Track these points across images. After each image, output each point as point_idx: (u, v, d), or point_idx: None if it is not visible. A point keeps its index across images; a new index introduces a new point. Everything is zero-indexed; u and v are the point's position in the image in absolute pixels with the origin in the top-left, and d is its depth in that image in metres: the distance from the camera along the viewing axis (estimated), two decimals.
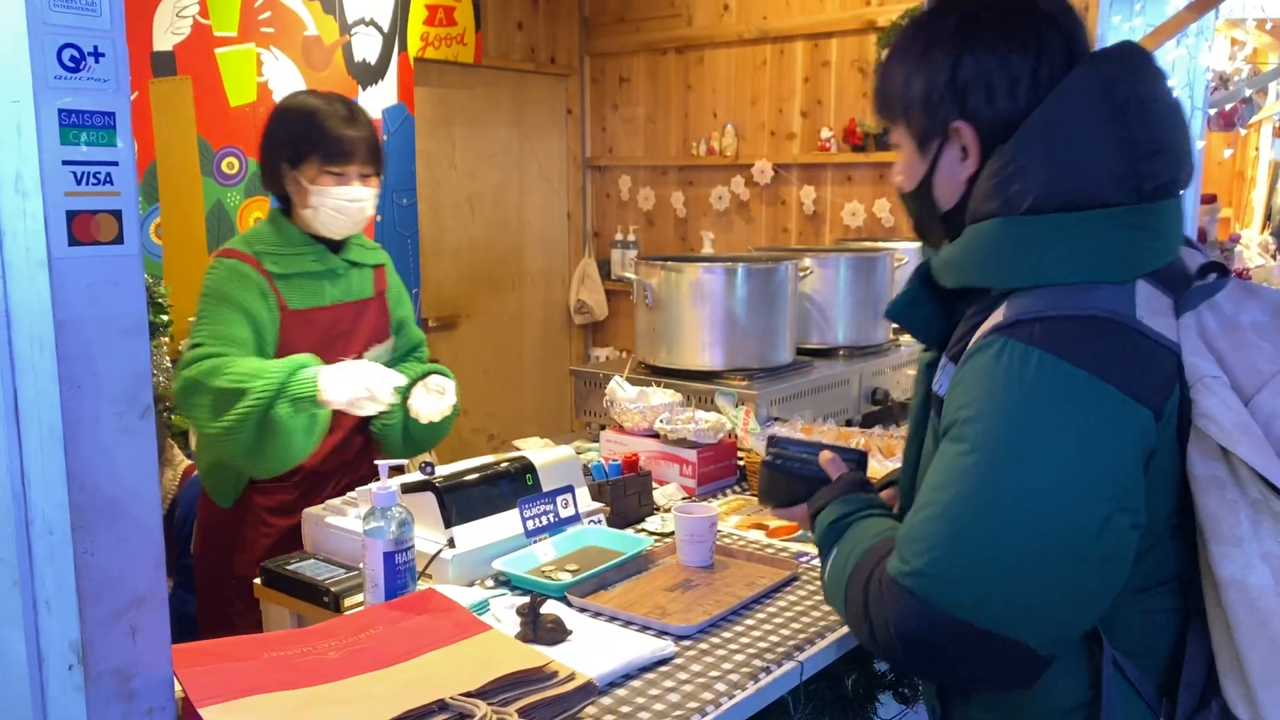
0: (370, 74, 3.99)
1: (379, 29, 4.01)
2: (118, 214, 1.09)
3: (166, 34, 3.35)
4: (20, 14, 1.01)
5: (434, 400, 2.09)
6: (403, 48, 4.11)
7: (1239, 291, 1.07)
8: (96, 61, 1.06)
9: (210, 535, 2.15)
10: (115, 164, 1.09)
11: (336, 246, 2.13)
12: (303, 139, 2.02)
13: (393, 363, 2.21)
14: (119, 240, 1.09)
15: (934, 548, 1.02)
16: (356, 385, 1.90)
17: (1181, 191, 1.10)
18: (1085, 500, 0.98)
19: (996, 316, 1.07)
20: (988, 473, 1.01)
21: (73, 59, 1.04)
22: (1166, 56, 3.73)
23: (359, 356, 2.10)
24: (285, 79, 3.70)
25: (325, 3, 3.80)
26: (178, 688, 1.18)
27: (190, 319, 2.04)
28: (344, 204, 2.04)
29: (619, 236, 5.03)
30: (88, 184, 1.06)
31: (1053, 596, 1.00)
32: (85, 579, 1.10)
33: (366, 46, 3.97)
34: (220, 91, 3.50)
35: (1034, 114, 1.07)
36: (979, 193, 1.12)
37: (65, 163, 1.05)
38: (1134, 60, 1.08)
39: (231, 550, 2.07)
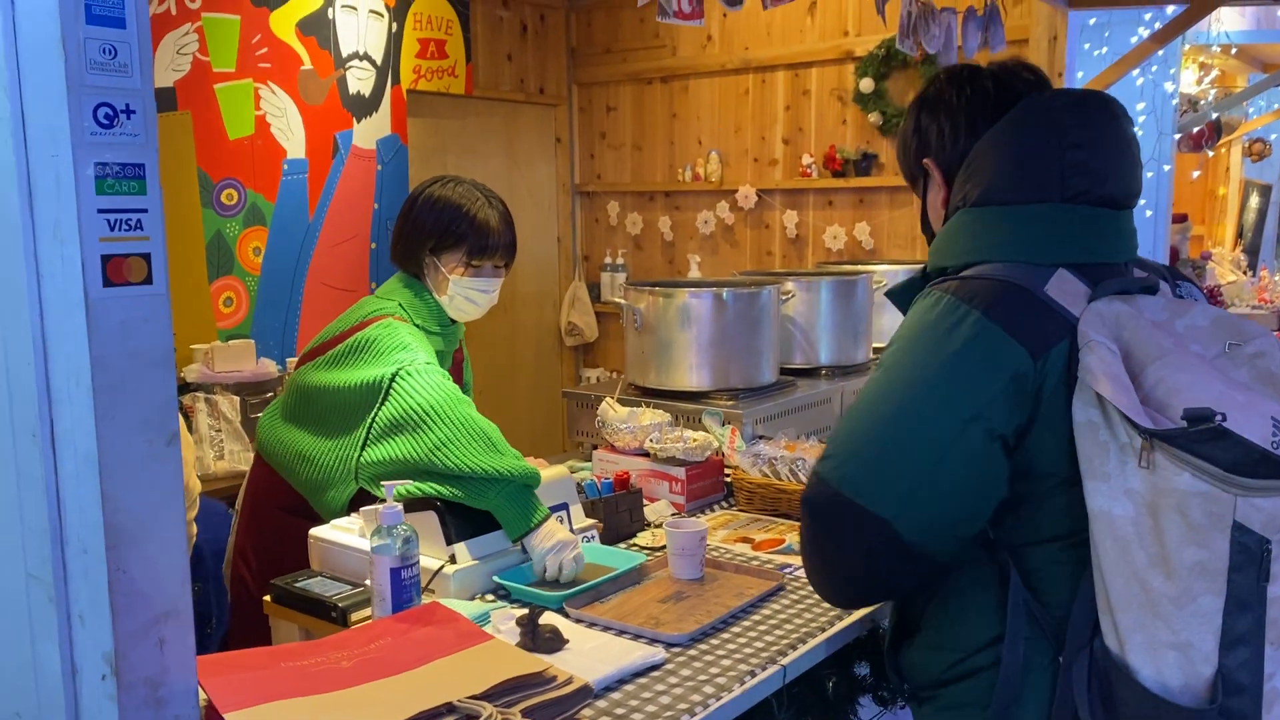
0: (364, 106, 4.10)
1: (372, 63, 4.12)
2: (147, 256, 1.18)
3: (168, 71, 3.46)
4: (61, 77, 1.10)
5: None
6: (395, 80, 4.22)
7: (1183, 303, 1.25)
8: (128, 118, 1.16)
9: (270, 555, 2.12)
10: (145, 211, 1.18)
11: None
12: (451, 231, 2.09)
13: None
14: (149, 280, 1.19)
15: (835, 438, 1.31)
16: (565, 550, 1.80)
17: (1126, 207, 1.32)
18: (947, 407, 1.21)
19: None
20: (882, 381, 1.28)
21: (107, 116, 1.14)
22: (1134, 83, 3.87)
23: None
24: (282, 112, 3.81)
25: (320, 38, 3.91)
26: (201, 696, 1.27)
27: (317, 357, 2.03)
28: (478, 294, 2.14)
29: (608, 260, 5.14)
30: (120, 230, 1.16)
31: (914, 484, 1.22)
32: (118, 594, 1.18)
33: (361, 80, 4.08)
34: (219, 125, 3.61)
35: (989, 131, 1.34)
36: (951, 196, 1.40)
37: (100, 211, 1.14)
38: (1082, 96, 1.32)
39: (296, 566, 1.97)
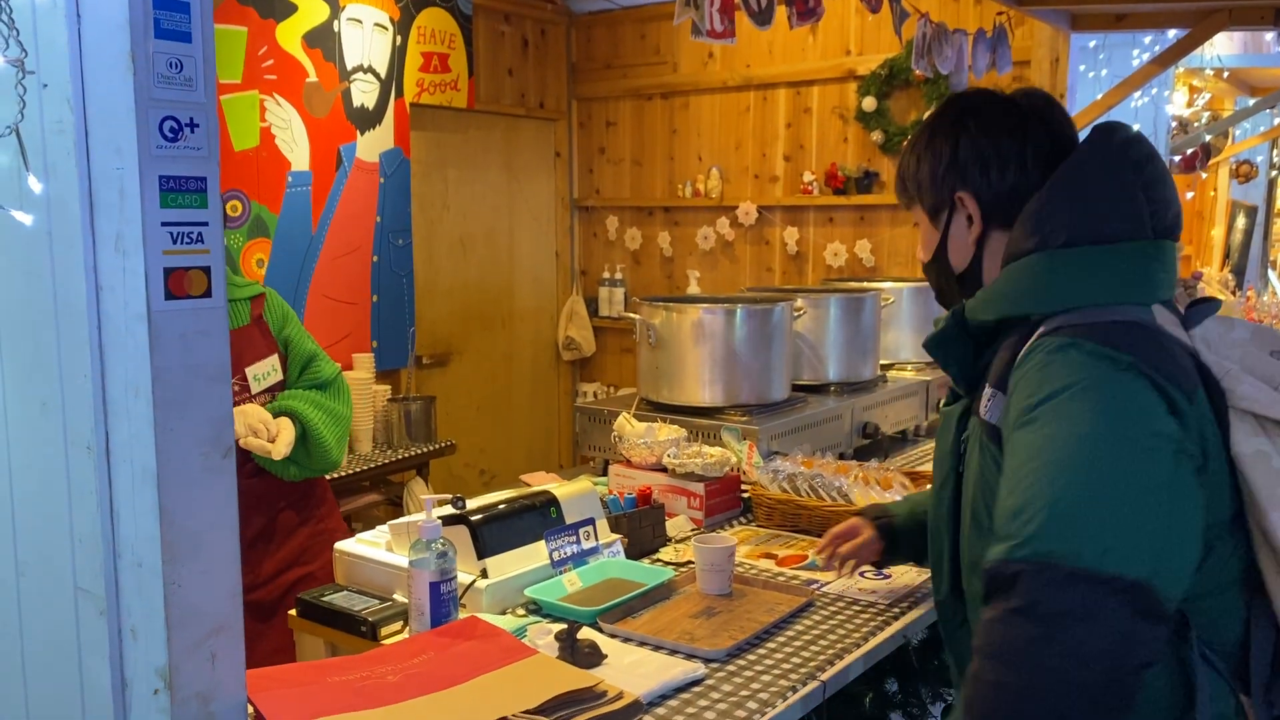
0: (368, 119, 4.10)
1: (377, 76, 4.12)
2: (207, 270, 1.18)
3: None
4: (129, 90, 1.10)
5: (260, 441, 2.16)
6: (399, 94, 4.23)
7: (1224, 319, 1.27)
8: (192, 131, 1.16)
9: None
10: (206, 224, 1.18)
11: None
12: None
13: (289, 379, 2.35)
14: (208, 294, 1.18)
15: (1040, 510, 1.08)
16: (245, 423, 2.11)
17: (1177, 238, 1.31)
18: (1136, 440, 1.10)
19: (1039, 332, 1.23)
20: (1067, 436, 1.11)
21: (172, 130, 1.14)
22: (1130, 106, 3.94)
23: (243, 376, 2.22)
24: (287, 124, 3.81)
25: (325, 51, 3.91)
26: (250, 710, 1.26)
27: None
28: None
29: (606, 275, 5.16)
30: (183, 243, 1.16)
31: (1144, 524, 1.07)
32: (173, 608, 1.18)
33: (365, 93, 4.08)
34: (225, 136, 3.60)
35: (1060, 170, 1.28)
36: (1014, 237, 1.30)
37: (164, 224, 1.14)
38: (1132, 135, 1.31)
39: None
